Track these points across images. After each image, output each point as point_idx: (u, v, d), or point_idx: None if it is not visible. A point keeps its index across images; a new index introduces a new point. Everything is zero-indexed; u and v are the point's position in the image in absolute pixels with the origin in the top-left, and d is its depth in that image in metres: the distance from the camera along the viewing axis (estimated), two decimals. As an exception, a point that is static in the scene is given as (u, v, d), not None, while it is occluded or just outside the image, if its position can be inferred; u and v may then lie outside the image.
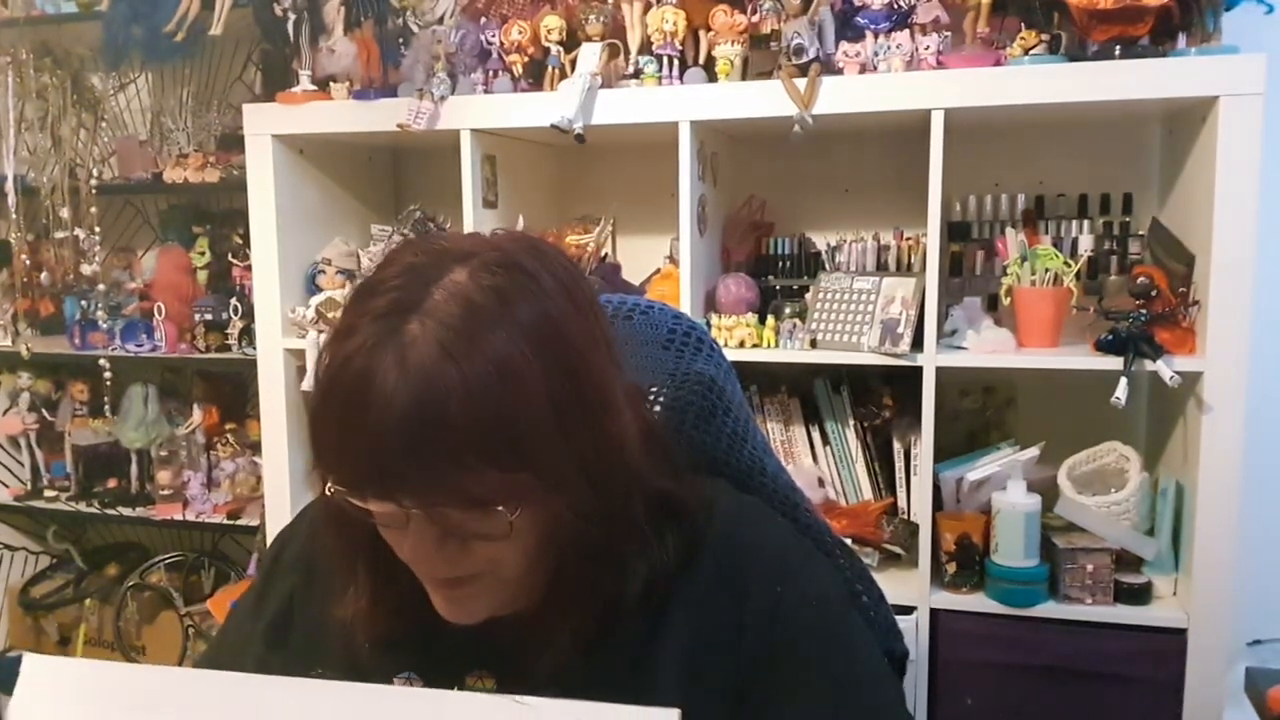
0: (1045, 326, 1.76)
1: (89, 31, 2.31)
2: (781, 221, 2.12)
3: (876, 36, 1.74)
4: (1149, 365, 1.63)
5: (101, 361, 2.41)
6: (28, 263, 2.49)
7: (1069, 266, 1.75)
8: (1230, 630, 1.63)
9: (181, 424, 2.43)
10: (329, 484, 0.72)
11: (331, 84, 1.98)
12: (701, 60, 1.85)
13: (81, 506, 2.51)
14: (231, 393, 2.48)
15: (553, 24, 1.88)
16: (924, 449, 1.76)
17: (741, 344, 1.86)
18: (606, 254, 2.07)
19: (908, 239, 1.96)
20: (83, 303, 2.43)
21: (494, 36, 1.93)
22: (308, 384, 2.06)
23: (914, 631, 1.74)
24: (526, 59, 1.91)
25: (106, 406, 2.45)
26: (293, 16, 1.96)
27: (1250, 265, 1.57)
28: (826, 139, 1.90)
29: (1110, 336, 1.67)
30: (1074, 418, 1.89)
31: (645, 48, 1.85)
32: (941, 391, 1.75)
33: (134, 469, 2.51)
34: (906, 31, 1.73)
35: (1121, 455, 1.78)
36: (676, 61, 1.83)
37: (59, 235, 2.43)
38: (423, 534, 0.71)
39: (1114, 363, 1.65)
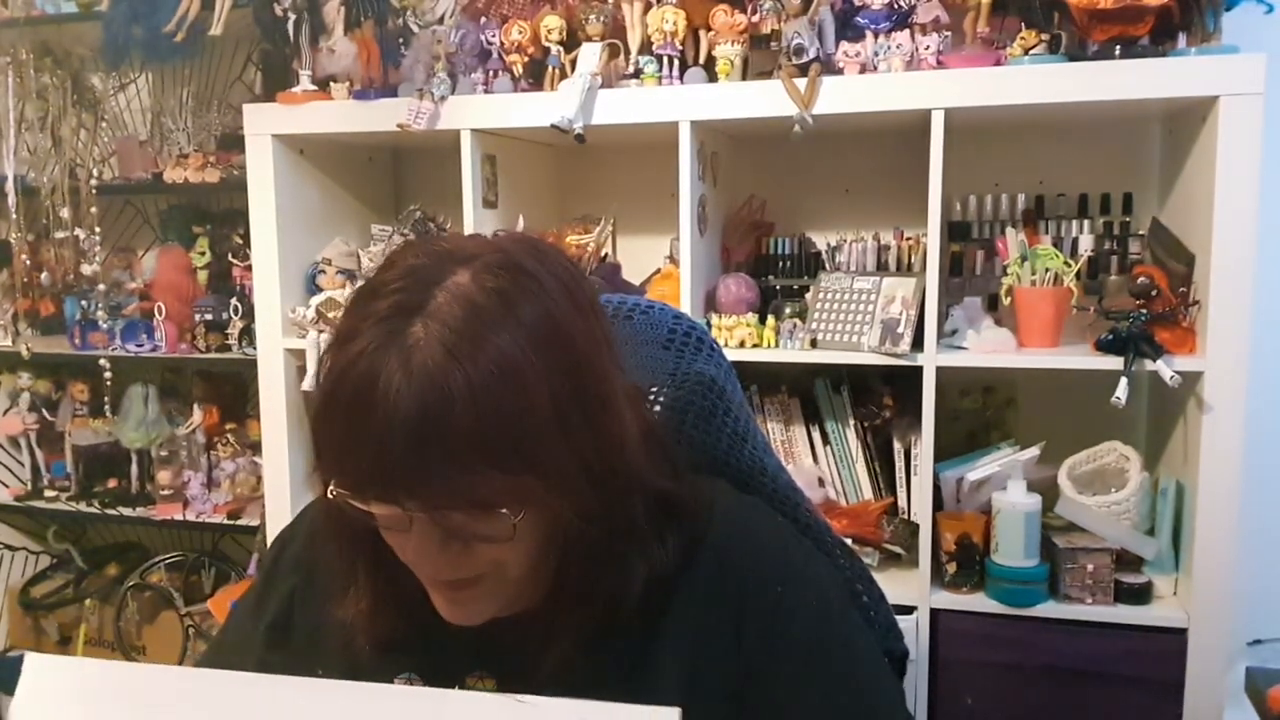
0: (1045, 326, 1.75)
1: (89, 31, 2.31)
2: (781, 221, 2.12)
3: (876, 36, 1.74)
4: (1149, 365, 1.63)
5: (102, 361, 2.41)
6: (28, 263, 2.49)
7: (1069, 266, 1.75)
8: (1230, 630, 1.63)
9: (181, 424, 2.43)
10: (331, 486, 0.71)
11: (331, 84, 1.98)
12: (701, 60, 1.85)
13: (82, 506, 2.51)
14: (231, 393, 2.48)
15: (553, 24, 1.88)
16: (924, 449, 1.76)
17: (741, 344, 1.86)
18: (606, 254, 2.07)
19: (908, 239, 1.96)
20: (83, 303, 2.43)
21: (494, 36, 1.93)
22: (308, 384, 2.06)
23: (914, 631, 1.74)
24: (526, 59, 1.91)
25: (107, 406, 2.45)
26: (293, 16, 1.96)
27: (1250, 265, 1.57)
28: (826, 139, 1.89)
29: (1110, 336, 1.67)
30: (1074, 418, 1.89)
31: (645, 48, 1.85)
32: (941, 391, 1.75)
33: (134, 469, 2.51)
34: (906, 31, 1.73)
35: (1122, 455, 1.78)
36: (676, 61, 1.83)
37: (59, 235, 2.43)
38: (425, 536, 0.71)
39: (1114, 363, 1.65)
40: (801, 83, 1.71)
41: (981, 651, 1.74)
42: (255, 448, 2.34)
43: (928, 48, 1.71)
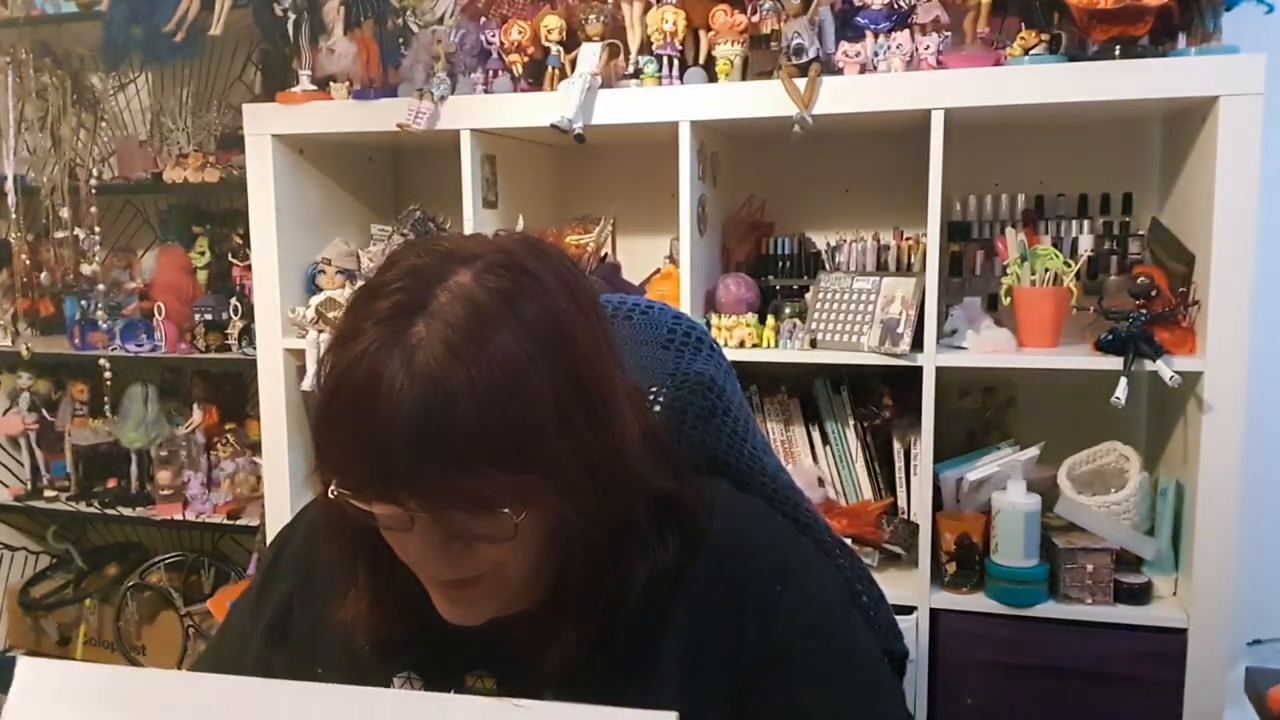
0: (1045, 326, 1.75)
1: (89, 31, 2.31)
2: (781, 221, 2.12)
3: (876, 36, 1.74)
4: (1149, 365, 1.63)
5: (101, 361, 2.41)
6: (27, 263, 2.49)
7: (1069, 266, 1.75)
8: (1230, 630, 1.63)
9: (181, 424, 2.43)
10: (332, 487, 0.71)
11: (331, 84, 1.98)
12: (701, 60, 1.85)
13: (81, 506, 2.51)
14: (231, 393, 2.48)
15: (553, 24, 1.88)
16: (924, 449, 1.76)
17: (741, 344, 1.86)
18: (606, 254, 2.07)
19: (908, 239, 1.96)
20: (83, 303, 2.43)
21: (494, 36, 1.93)
22: (308, 384, 2.06)
23: (914, 631, 1.74)
24: (526, 59, 1.91)
25: (106, 406, 2.45)
26: (292, 16, 1.96)
27: (1250, 265, 1.56)
28: (826, 139, 1.89)
29: (1110, 336, 1.67)
30: (1074, 418, 1.89)
31: (645, 48, 1.85)
32: (941, 391, 1.74)
33: (134, 469, 2.51)
34: (906, 31, 1.73)
35: (1121, 455, 1.78)
36: (676, 61, 1.83)
37: (59, 235, 2.43)
38: (427, 536, 0.71)
39: (1114, 363, 1.65)
40: (801, 83, 1.71)
41: (981, 651, 1.74)
42: (255, 448, 2.34)
43: (927, 48, 1.71)
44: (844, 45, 1.74)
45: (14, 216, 2.45)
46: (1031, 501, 1.71)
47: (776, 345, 1.87)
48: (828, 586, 0.86)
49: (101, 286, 2.41)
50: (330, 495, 0.72)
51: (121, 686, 0.71)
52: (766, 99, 1.74)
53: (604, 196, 2.20)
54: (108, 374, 2.42)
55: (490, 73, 1.94)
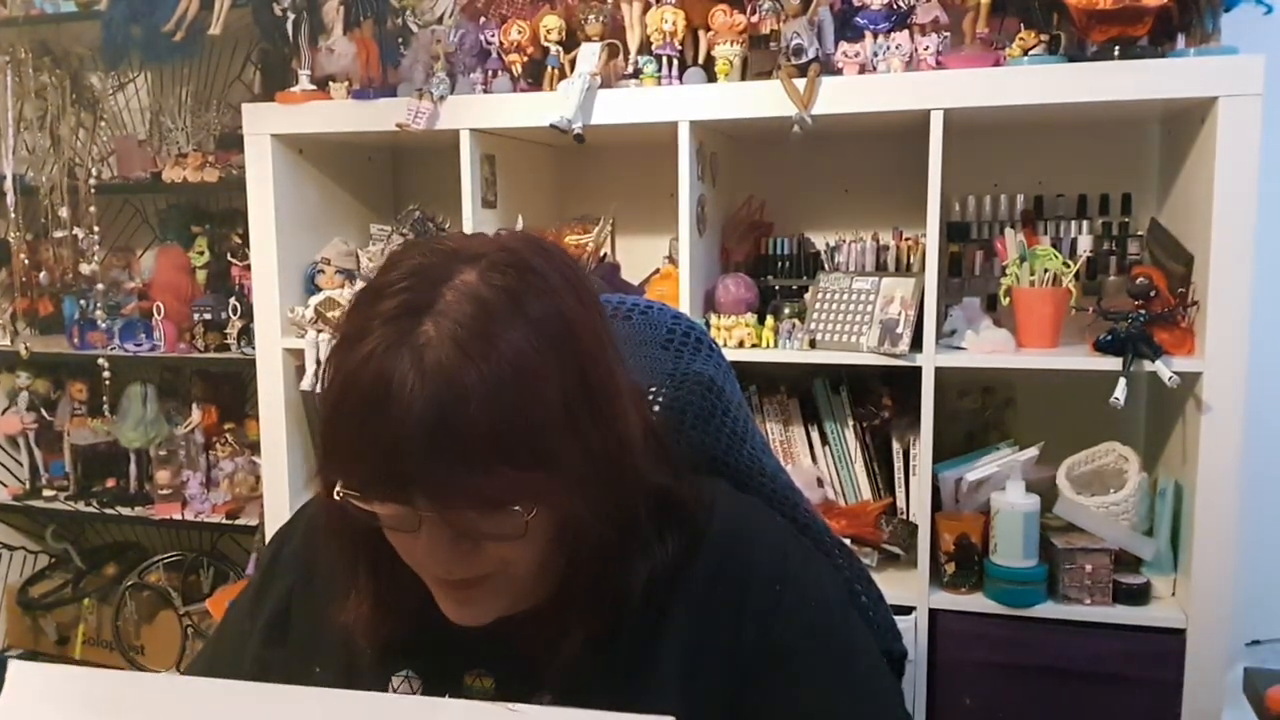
0: (1044, 327, 1.76)
1: (88, 31, 2.31)
2: (781, 221, 2.13)
3: (876, 37, 1.74)
4: (1148, 365, 1.63)
5: (100, 361, 2.41)
6: (27, 262, 2.49)
7: (1068, 267, 1.75)
8: (1229, 630, 1.63)
9: (180, 424, 2.43)
10: (338, 487, 0.71)
11: (331, 84, 1.98)
12: (701, 60, 1.85)
13: (80, 506, 2.51)
14: (230, 392, 2.48)
15: (552, 24, 1.88)
16: (923, 449, 1.76)
17: (741, 344, 1.86)
18: (605, 254, 2.07)
19: (907, 239, 1.96)
20: (82, 302, 2.43)
21: (493, 36, 1.93)
22: (307, 384, 2.06)
23: (913, 631, 1.74)
24: (526, 59, 1.91)
25: (105, 406, 2.45)
26: (292, 16, 1.96)
27: (1249, 265, 1.57)
28: (826, 139, 1.89)
29: (1109, 337, 1.67)
30: (1073, 418, 1.89)
31: (645, 48, 1.85)
32: (940, 392, 1.75)
33: (133, 469, 2.51)
34: (906, 32, 1.73)
35: (1120, 455, 1.78)
36: (676, 61, 1.83)
37: (58, 235, 2.43)
38: (435, 536, 0.71)
39: (1113, 363, 1.65)
40: (801, 83, 1.71)
41: (980, 652, 1.74)
42: (254, 447, 2.34)
43: (927, 48, 1.71)
44: (843, 45, 1.74)
45: (13, 216, 2.45)
46: (1030, 502, 1.71)
47: (776, 345, 1.87)
48: (827, 587, 0.86)
49: (100, 286, 2.41)
50: (335, 497, 0.71)
51: (113, 690, 0.70)
52: (766, 99, 1.74)
53: (603, 196, 2.20)
54: (106, 373, 2.42)
55: (490, 73, 1.94)
